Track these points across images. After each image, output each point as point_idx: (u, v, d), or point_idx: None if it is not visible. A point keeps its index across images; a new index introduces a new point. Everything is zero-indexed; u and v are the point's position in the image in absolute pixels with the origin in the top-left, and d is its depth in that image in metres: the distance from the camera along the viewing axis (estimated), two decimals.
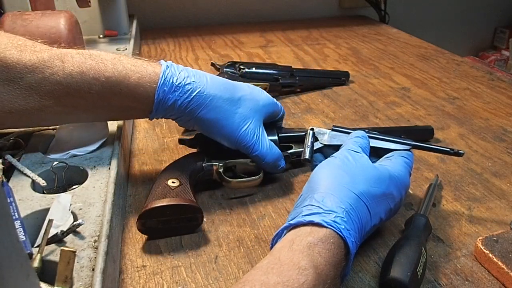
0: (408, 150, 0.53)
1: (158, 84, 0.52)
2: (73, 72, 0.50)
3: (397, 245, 0.45)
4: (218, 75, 0.87)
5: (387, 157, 0.52)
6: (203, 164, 0.56)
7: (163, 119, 0.57)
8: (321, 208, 0.41)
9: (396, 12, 1.63)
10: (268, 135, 0.59)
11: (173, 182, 0.52)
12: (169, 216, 0.49)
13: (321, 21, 1.51)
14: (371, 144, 0.53)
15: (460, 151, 0.53)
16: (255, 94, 0.59)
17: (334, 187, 0.44)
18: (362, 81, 0.97)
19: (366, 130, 0.56)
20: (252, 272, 0.37)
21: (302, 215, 0.41)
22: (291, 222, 0.41)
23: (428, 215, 0.51)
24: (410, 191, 0.59)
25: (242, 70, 0.86)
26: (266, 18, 1.53)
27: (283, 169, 0.59)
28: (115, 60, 0.52)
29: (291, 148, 0.62)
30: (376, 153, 0.53)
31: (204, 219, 0.54)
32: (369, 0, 1.59)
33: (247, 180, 0.57)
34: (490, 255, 0.45)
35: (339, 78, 0.95)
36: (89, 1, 0.93)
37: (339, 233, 0.40)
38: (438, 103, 0.86)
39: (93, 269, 0.38)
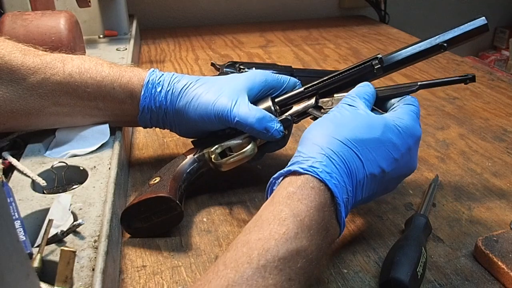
0: (415, 91, 0.50)
1: (144, 82, 0.56)
2: (72, 72, 0.54)
3: (397, 245, 0.45)
4: (218, 75, 0.87)
5: (391, 109, 0.50)
6: (195, 156, 0.56)
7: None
8: (301, 156, 0.42)
9: (396, 12, 1.63)
10: (260, 104, 0.56)
11: (154, 180, 0.52)
12: (146, 213, 0.49)
13: (321, 21, 1.51)
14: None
15: (469, 75, 0.50)
16: (237, 74, 0.59)
17: (317, 137, 0.44)
18: None
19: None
20: (237, 237, 0.38)
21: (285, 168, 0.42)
22: (274, 176, 0.43)
23: (428, 215, 0.51)
24: (410, 191, 0.59)
25: (242, 70, 0.86)
26: (266, 18, 1.53)
27: (280, 133, 0.54)
28: (111, 64, 0.58)
29: (291, 109, 0.56)
30: (381, 104, 0.51)
31: (204, 219, 0.54)
32: (369, 0, 1.59)
33: (236, 155, 0.54)
34: (490, 255, 0.45)
35: None
36: (89, 1, 0.93)
37: (317, 176, 0.40)
38: (438, 103, 0.86)
39: (93, 269, 0.38)
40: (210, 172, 0.56)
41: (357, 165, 0.43)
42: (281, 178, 0.43)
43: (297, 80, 0.60)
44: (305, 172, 0.40)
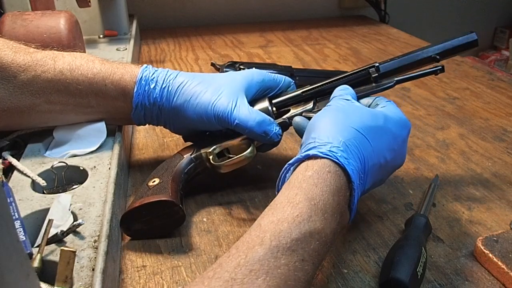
0: (392, 86, 0.54)
1: (137, 78, 0.55)
2: (63, 70, 0.54)
3: (397, 245, 0.45)
4: None
5: (377, 105, 0.52)
6: (192, 156, 0.55)
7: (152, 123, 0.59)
8: (318, 142, 0.43)
9: (396, 12, 1.63)
10: (258, 105, 0.57)
11: (153, 182, 0.52)
12: (147, 216, 0.49)
13: (321, 21, 1.51)
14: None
15: (439, 66, 0.54)
16: (234, 72, 0.59)
17: (331, 124, 0.45)
18: None
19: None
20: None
21: (300, 153, 0.43)
22: (290, 162, 0.43)
23: (428, 215, 0.51)
24: (410, 191, 0.59)
25: (242, 70, 0.86)
26: (266, 18, 1.53)
27: (278, 136, 0.55)
28: (103, 60, 0.57)
29: (288, 112, 0.57)
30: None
31: (204, 219, 0.54)
32: (369, 0, 1.59)
33: (236, 158, 0.54)
34: (490, 255, 0.45)
35: None
36: (89, 1, 0.93)
37: (336, 161, 0.41)
38: (438, 103, 0.86)
39: (93, 269, 0.38)
40: (209, 172, 0.56)
41: (368, 151, 0.44)
42: (296, 164, 0.43)
43: (291, 80, 0.60)
44: (324, 156, 0.41)
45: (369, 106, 0.52)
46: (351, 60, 1.12)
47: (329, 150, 0.41)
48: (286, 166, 0.44)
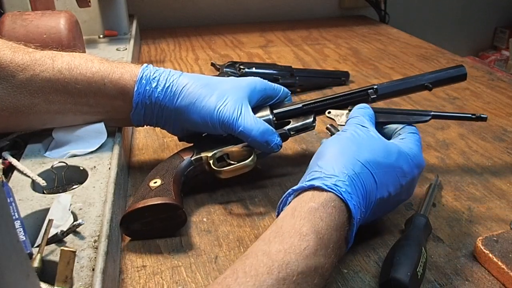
0: (427, 121, 0.55)
1: (137, 77, 0.55)
2: (62, 69, 0.54)
3: (397, 245, 0.45)
4: (218, 75, 0.87)
5: (398, 135, 0.52)
6: (192, 158, 0.55)
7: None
8: (324, 173, 0.43)
9: (396, 12, 1.63)
10: (260, 113, 0.58)
11: (155, 182, 0.52)
12: (149, 218, 0.49)
13: (321, 21, 1.51)
14: (384, 119, 0.54)
15: (482, 115, 0.55)
16: (237, 78, 0.59)
17: (339, 155, 0.45)
18: (362, 81, 0.97)
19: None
20: (255, 244, 0.38)
21: (305, 181, 0.43)
22: (294, 188, 0.43)
23: (428, 215, 0.51)
24: None
25: (242, 70, 0.86)
26: (266, 18, 1.53)
27: (279, 147, 0.56)
28: (102, 59, 0.57)
29: (289, 123, 0.58)
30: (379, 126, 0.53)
31: (204, 219, 0.54)
32: (369, 0, 1.59)
33: (238, 165, 0.55)
34: (490, 255, 0.45)
35: (339, 78, 0.95)
36: (89, 1, 0.93)
37: (340, 196, 0.41)
38: (438, 103, 0.86)
39: (93, 269, 0.38)
40: (207, 174, 0.57)
41: (372, 187, 0.44)
42: (300, 191, 0.43)
43: (288, 91, 0.62)
44: (329, 189, 0.41)
45: (393, 133, 0.53)
46: (351, 60, 1.12)
47: (334, 184, 0.41)
48: (289, 191, 0.44)
